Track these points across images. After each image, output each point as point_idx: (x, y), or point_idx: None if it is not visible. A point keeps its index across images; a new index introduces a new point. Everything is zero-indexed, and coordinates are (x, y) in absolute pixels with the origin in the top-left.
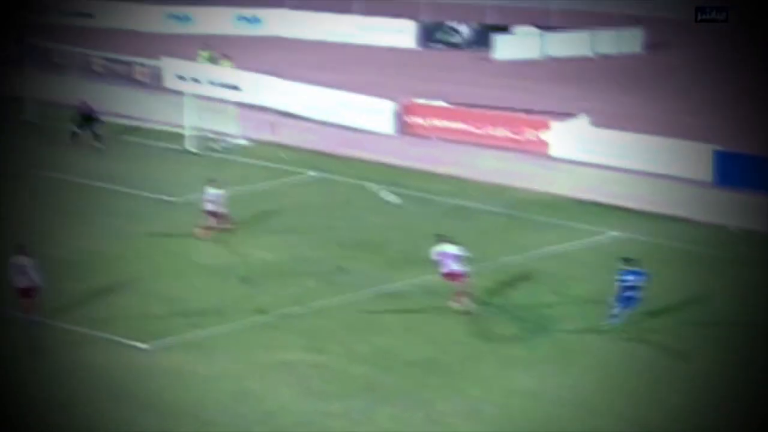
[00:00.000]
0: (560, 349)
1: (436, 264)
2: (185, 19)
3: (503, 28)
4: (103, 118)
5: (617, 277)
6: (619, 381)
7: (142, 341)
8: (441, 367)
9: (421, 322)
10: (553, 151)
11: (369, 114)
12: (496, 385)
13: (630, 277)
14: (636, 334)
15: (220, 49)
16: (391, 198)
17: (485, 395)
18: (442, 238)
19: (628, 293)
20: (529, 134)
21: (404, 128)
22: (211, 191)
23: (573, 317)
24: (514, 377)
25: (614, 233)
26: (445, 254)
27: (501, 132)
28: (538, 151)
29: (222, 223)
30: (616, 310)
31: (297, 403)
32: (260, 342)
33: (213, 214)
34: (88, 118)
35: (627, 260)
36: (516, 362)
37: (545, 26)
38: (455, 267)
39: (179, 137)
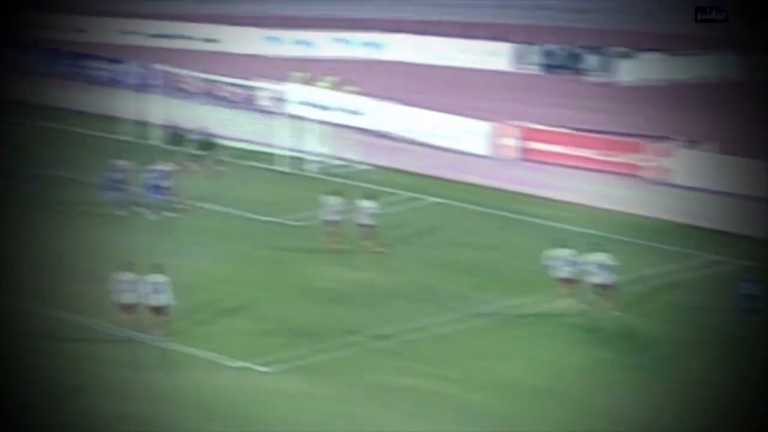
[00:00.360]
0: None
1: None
2: (308, 44)
3: (596, 49)
4: (225, 142)
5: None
6: None
7: (263, 364)
8: (561, 394)
9: (541, 349)
10: (676, 178)
11: (485, 139)
12: (619, 414)
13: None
14: None
15: (342, 74)
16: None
17: (609, 426)
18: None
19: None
20: (649, 160)
21: (522, 154)
22: (365, 203)
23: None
24: (635, 405)
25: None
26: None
27: (620, 158)
28: (660, 178)
29: (371, 237)
30: None
31: (415, 430)
32: (379, 367)
33: (366, 226)
34: (209, 143)
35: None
36: (639, 389)
37: (640, 48)
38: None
39: (300, 162)
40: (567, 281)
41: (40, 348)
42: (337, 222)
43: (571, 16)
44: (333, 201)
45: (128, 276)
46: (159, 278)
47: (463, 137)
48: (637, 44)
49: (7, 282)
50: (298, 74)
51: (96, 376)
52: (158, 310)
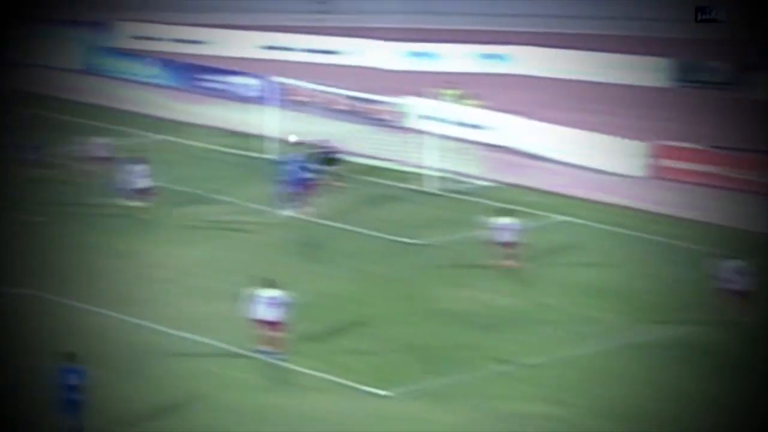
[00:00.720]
0: None
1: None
2: (428, 56)
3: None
4: (344, 157)
5: None
6: None
7: (382, 388)
8: (687, 423)
9: (668, 376)
10: None
11: (617, 156)
12: None
13: None
14: None
15: (465, 87)
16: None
17: None
18: None
19: None
20: None
21: (655, 172)
22: (505, 221)
23: None
24: None
25: None
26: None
27: (754, 176)
28: None
29: (512, 254)
30: None
31: None
32: (500, 392)
33: (507, 244)
34: (330, 158)
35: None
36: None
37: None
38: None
39: (420, 178)
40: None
41: (152, 363)
42: (511, 243)
43: (571, 20)
44: (505, 221)
45: (259, 292)
46: (274, 293)
47: (593, 154)
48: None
49: (120, 296)
50: (447, 91)
51: (207, 394)
52: (272, 325)
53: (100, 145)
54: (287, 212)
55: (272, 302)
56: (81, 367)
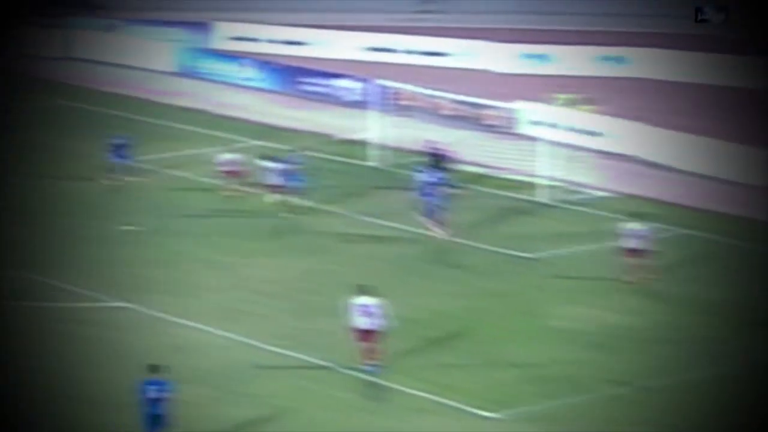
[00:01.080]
0: None
1: None
2: (542, 58)
3: None
4: (452, 164)
5: None
6: None
7: (489, 410)
8: None
9: None
10: None
11: (738, 164)
12: None
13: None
14: None
15: (580, 91)
16: None
17: None
18: None
19: None
20: None
21: None
22: (634, 226)
23: None
24: None
25: None
26: None
27: None
28: None
29: (640, 265)
30: None
31: None
32: (617, 416)
33: (634, 252)
34: (439, 163)
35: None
36: None
37: None
38: None
39: (532, 187)
40: None
41: (248, 379)
42: (639, 251)
43: (571, 18)
44: (633, 227)
45: (354, 300)
46: (368, 300)
47: (715, 162)
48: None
49: (216, 310)
50: (561, 96)
51: (303, 411)
52: (366, 334)
53: (232, 159)
54: (429, 226)
55: (367, 310)
56: (163, 380)
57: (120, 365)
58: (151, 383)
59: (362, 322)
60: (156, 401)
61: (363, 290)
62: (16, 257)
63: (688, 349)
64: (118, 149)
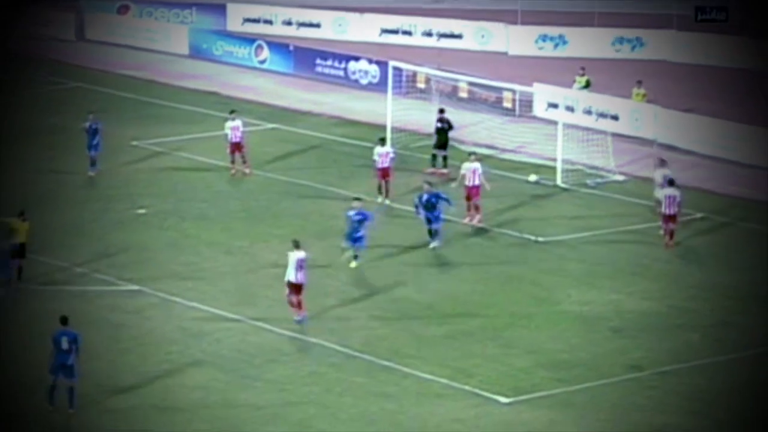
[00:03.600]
0: None
1: None
2: (560, 41)
3: None
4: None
5: None
6: None
7: (504, 395)
8: None
9: None
10: None
11: (761, 148)
12: None
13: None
14: None
15: (595, 74)
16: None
17: None
18: None
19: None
20: None
21: None
22: (668, 191)
23: None
24: None
25: None
26: None
27: None
28: None
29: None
30: None
31: None
32: (634, 401)
33: (669, 218)
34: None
35: None
36: None
37: None
38: None
39: (548, 170)
40: None
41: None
42: (672, 216)
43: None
44: (668, 191)
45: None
46: (300, 254)
47: (734, 145)
48: None
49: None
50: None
51: (319, 399)
52: (298, 287)
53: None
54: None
55: (301, 264)
56: (73, 332)
57: (137, 349)
58: (63, 334)
59: (295, 276)
60: (67, 352)
61: (297, 245)
62: (33, 241)
63: (705, 334)
64: (92, 136)
